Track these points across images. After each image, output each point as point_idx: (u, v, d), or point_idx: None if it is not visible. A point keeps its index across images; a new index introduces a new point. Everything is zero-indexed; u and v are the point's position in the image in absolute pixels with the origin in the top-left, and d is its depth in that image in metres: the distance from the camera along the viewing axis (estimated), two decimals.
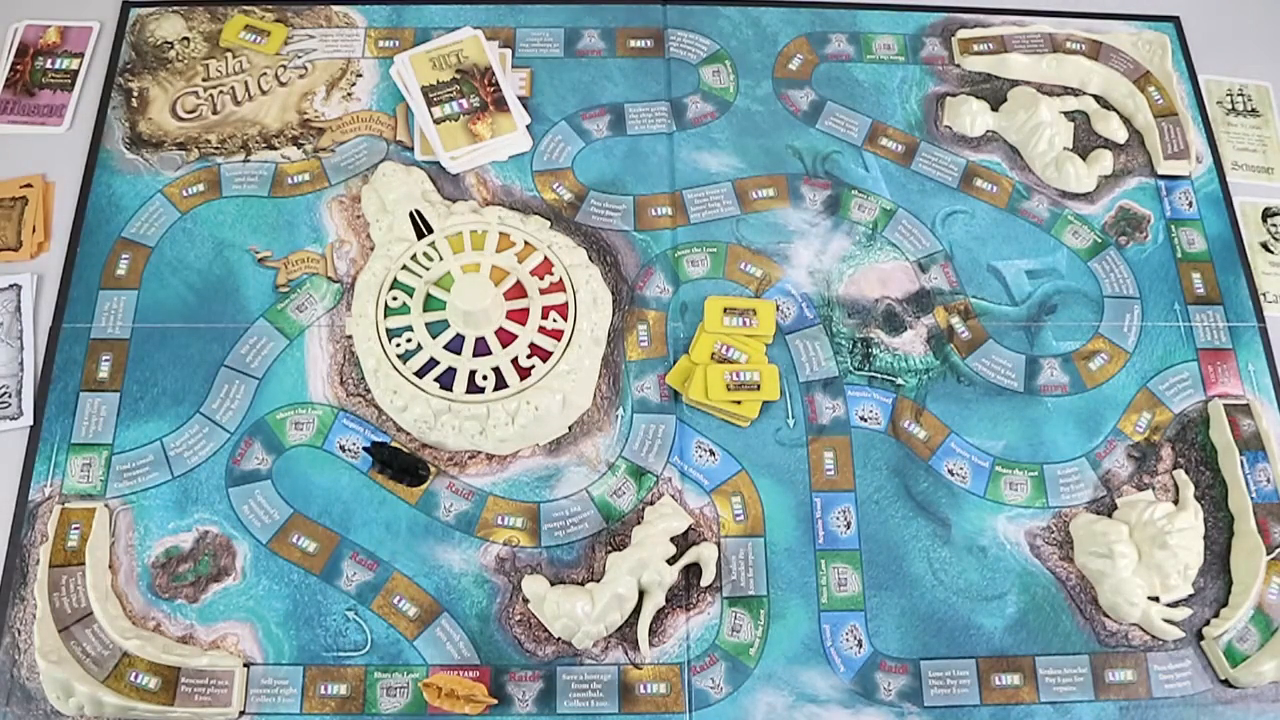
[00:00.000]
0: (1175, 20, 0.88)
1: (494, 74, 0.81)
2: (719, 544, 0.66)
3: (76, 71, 0.82)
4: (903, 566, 0.67)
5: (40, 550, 0.64)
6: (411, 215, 0.73)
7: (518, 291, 0.72)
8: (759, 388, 0.69)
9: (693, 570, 0.66)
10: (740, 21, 0.86)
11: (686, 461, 0.69)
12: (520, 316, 0.71)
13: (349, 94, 0.81)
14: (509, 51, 0.83)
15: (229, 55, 0.83)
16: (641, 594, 0.64)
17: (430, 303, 0.71)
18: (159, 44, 0.83)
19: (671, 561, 0.65)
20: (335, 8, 0.85)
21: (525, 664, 0.63)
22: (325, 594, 0.64)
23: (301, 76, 0.82)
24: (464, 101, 0.80)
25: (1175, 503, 0.69)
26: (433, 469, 0.68)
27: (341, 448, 0.68)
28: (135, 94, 0.81)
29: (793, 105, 0.82)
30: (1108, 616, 0.66)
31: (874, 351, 0.73)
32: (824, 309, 0.74)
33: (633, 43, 0.84)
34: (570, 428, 0.70)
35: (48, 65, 0.82)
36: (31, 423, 0.69)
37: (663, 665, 0.63)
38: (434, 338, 0.69)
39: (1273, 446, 0.70)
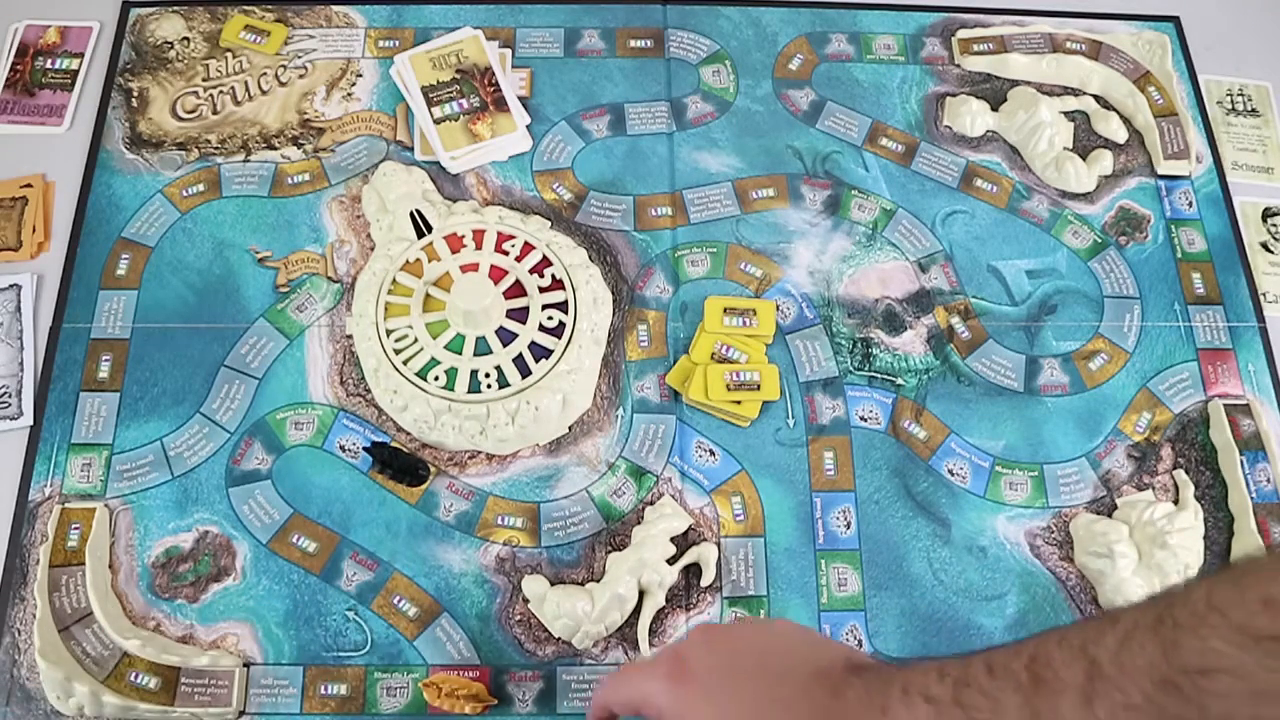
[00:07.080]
0: (1175, 20, 0.88)
1: (494, 74, 0.81)
2: (719, 544, 0.66)
3: (76, 71, 0.82)
4: (903, 566, 0.67)
5: (40, 550, 0.64)
6: (412, 215, 0.73)
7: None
8: (759, 388, 0.69)
9: (693, 570, 0.66)
10: (740, 21, 0.86)
11: (686, 461, 0.69)
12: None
13: (349, 94, 0.81)
14: (509, 51, 0.83)
15: (229, 55, 0.83)
16: (641, 594, 0.64)
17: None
18: (159, 44, 0.83)
19: (671, 561, 0.65)
20: (335, 8, 0.85)
21: (525, 664, 0.63)
22: (325, 594, 0.64)
23: (301, 76, 0.82)
24: (464, 101, 0.80)
25: (1175, 503, 0.69)
26: (433, 469, 0.68)
27: (341, 448, 0.68)
28: (135, 94, 0.81)
29: (793, 105, 0.82)
30: None
31: (874, 351, 0.73)
32: (824, 309, 0.74)
33: (633, 43, 0.84)
34: (570, 428, 0.70)
35: (48, 65, 0.82)
36: (31, 423, 0.69)
37: None
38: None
39: (1273, 446, 0.70)
